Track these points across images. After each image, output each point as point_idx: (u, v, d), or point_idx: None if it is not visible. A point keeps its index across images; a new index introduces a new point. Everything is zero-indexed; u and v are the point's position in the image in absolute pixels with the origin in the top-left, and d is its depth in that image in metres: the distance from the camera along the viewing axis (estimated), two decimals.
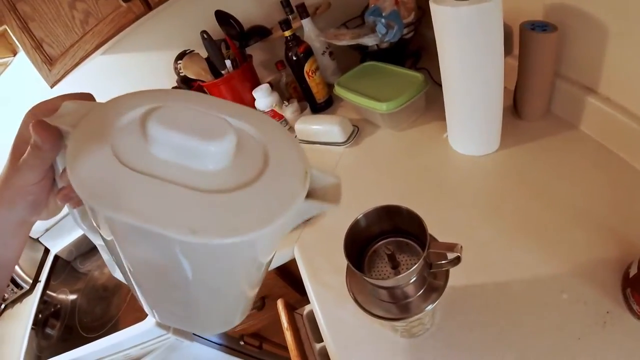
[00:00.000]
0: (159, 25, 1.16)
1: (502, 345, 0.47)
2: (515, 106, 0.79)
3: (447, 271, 0.41)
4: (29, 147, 0.30)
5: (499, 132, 0.72)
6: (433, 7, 0.58)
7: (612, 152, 0.64)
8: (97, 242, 0.37)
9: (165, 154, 0.25)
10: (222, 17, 1.09)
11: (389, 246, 0.42)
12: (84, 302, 1.23)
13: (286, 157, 0.28)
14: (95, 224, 0.28)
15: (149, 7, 0.89)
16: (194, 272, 0.26)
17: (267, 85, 1.09)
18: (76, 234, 1.42)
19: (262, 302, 1.00)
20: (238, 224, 0.23)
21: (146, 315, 0.95)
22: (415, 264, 0.37)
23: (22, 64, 1.18)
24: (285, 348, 0.73)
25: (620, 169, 0.61)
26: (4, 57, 1.19)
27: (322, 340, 0.64)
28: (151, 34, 1.19)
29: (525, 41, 0.67)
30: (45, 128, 0.29)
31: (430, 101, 0.89)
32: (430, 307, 0.39)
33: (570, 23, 0.64)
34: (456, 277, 0.44)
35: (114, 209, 0.22)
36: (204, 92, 1.20)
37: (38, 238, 1.47)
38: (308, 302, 0.77)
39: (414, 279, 0.40)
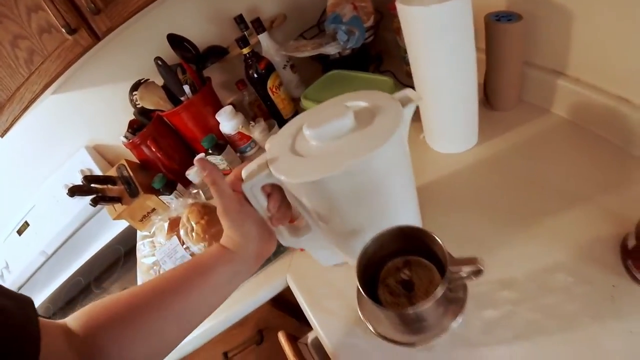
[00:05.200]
0: (110, 57, 1.10)
1: (521, 339, 0.46)
2: (487, 98, 0.79)
3: (465, 283, 0.39)
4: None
5: (477, 127, 0.72)
6: (401, 8, 0.56)
7: (587, 129, 0.66)
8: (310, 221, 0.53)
9: (316, 141, 0.45)
10: (175, 41, 1.04)
11: (405, 271, 0.39)
12: None
13: (385, 105, 0.45)
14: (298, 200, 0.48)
15: (97, 38, 0.84)
16: (374, 183, 0.44)
17: (231, 107, 1.05)
18: (49, 290, 1.32)
19: (260, 335, 0.95)
20: (374, 142, 0.40)
21: None
22: (434, 284, 0.35)
23: None
24: None
25: (597, 145, 0.62)
26: None
27: None
28: (103, 67, 1.12)
29: (491, 33, 0.67)
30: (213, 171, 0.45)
31: None
32: (455, 324, 0.37)
33: (534, 11, 0.65)
34: None
35: (302, 178, 0.41)
36: (165, 123, 1.14)
37: None
38: (308, 328, 0.73)
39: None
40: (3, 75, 0.86)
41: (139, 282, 0.99)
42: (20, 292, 1.14)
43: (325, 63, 1.05)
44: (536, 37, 0.68)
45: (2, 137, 0.91)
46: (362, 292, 0.36)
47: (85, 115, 1.19)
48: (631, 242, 0.45)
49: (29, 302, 0.38)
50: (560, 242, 0.53)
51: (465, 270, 0.37)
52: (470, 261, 0.36)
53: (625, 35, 0.54)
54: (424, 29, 0.56)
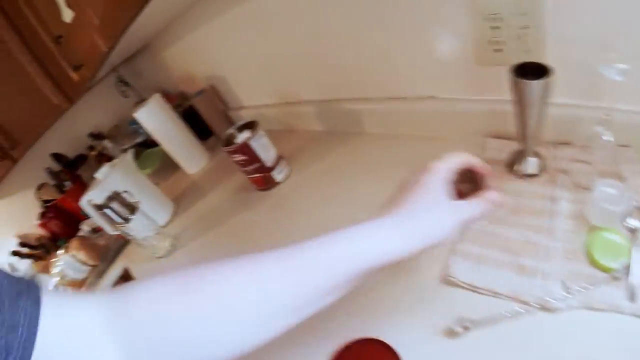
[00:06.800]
0: (20, 173, 1.79)
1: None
2: (215, 137, 1.53)
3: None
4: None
5: (202, 153, 1.45)
6: (134, 115, 1.30)
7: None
8: None
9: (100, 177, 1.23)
10: (55, 156, 1.78)
11: None
12: None
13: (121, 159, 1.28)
14: None
15: (15, 161, 1.55)
16: None
17: None
18: None
19: None
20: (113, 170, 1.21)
21: None
22: None
23: None
24: None
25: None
26: None
27: None
28: (16, 178, 1.79)
29: (195, 104, 1.43)
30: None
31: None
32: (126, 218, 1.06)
33: (214, 82, 1.42)
34: (185, 225, 1.14)
35: None
36: (59, 207, 1.83)
37: None
38: None
39: None
40: None
41: None
42: None
43: (145, 146, 1.81)
44: (221, 94, 1.45)
45: None
46: None
47: (11, 214, 1.86)
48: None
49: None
50: (233, 188, 1.24)
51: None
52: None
53: (245, 76, 1.32)
54: (143, 120, 1.31)
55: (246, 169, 0.99)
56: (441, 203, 0.40)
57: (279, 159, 1.01)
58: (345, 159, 0.96)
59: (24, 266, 1.74)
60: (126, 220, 1.04)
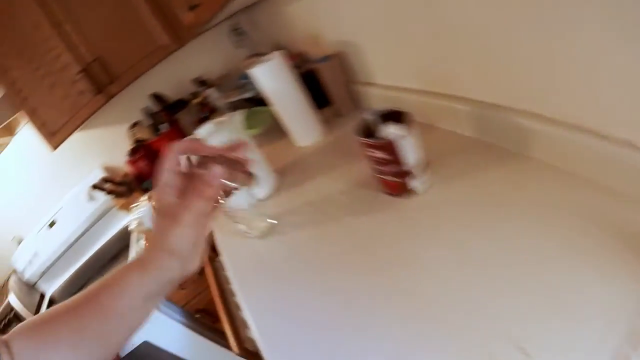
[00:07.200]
0: (116, 107, 1.74)
1: (312, 228, 0.82)
2: (335, 110, 1.33)
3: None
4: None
5: (317, 126, 1.24)
6: (248, 72, 1.14)
7: None
8: None
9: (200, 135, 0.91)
10: (156, 97, 1.68)
11: None
12: None
13: (229, 119, 1.30)
14: None
15: (110, 97, 1.47)
16: None
17: (191, 136, 1.65)
18: (68, 273, 1.76)
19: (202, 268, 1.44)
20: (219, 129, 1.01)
21: None
22: None
23: (20, 141, 1.74)
24: None
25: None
26: (4, 137, 1.74)
27: None
28: (112, 113, 1.77)
29: (318, 71, 1.24)
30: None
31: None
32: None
33: (344, 49, 1.15)
34: (286, 205, 0.97)
35: None
36: (151, 148, 1.75)
37: (35, 283, 1.83)
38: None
39: None
40: (56, 116, 1.49)
41: (132, 254, 1.52)
42: (43, 276, 1.81)
43: (250, 103, 1.66)
44: (350, 65, 1.17)
45: (54, 150, 1.51)
46: None
47: (100, 145, 1.82)
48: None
49: None
50: (347, 178, 0.90)
51: None
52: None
53: (383, 48, 0.97)
54: (259, 78, 1.15)
55: (382, 168, 0.75)
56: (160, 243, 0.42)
57: (425, 165, 0.77)
58: (501, 184, 0.74)
59: (102, 199, 1.69)
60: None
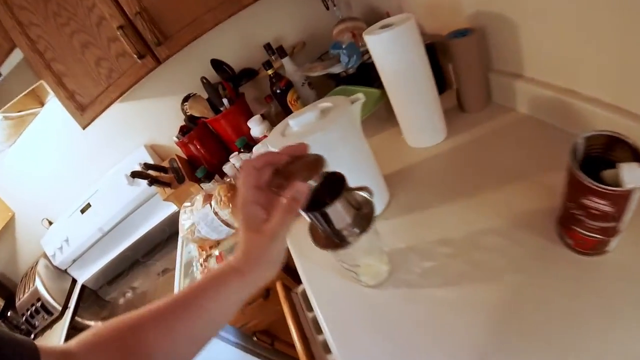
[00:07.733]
0: (167, 75, 1.40)
1: (451, 285, 0.58)
2: (459, 102, 0.96)
3: (371, 203, 0.56)
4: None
5: (441, 124, 0.88)
6: (365, 37, 0.78)
7: (546, 122, 0.75)
8: None
9: (296, 128, 0.68)
10: (217, 64, 1.33)
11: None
12: None
13: (340, 104, 0.68)
14: None
15: (158, 62, 1.12)
16: (330, 152, 0.50)
17: (259, 116, 1.30)
18: (101, 263, 1.58)
19: (267, 292, 1.15)
20: (325, 125, 0.64)
21: None
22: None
23: (50, 112, 1.43)
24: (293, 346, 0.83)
25: (554, 135, 0.72)
26: (34, 108, 1.44)
27: (312, 310, 0.77)
28: (161, 83, 1.43)
29: (452, 48, 0.86)
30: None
31: (391, 111, 1.08)
32: (360, 231, 0.53)
33: (487, 24, 0.81)
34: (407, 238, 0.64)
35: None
36: (208, 128, 1.41)
37: (66, 269, 1.63)
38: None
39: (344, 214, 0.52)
40: (89, 85, 1.16)
41: (179, 247, 1.24)
42: (74, 263, 1.41)
43: (336, 80, 1.29)
44: (493, 46, 0.84)
45: (84, 129, 1.20)
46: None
47: (144, 120, 1.49)
48: (559, 211, 0.53)
49: (28, 346, 0.38)
50: (499, 211, 0.64)
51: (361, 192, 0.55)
52: (363, 188, 0.54)
53: (559, 33, 0.65)
54: (380, 50, 0.77)
55: (590, 221, 0.49)
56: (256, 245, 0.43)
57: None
58: None
59: (144, 185, 1.39)
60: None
